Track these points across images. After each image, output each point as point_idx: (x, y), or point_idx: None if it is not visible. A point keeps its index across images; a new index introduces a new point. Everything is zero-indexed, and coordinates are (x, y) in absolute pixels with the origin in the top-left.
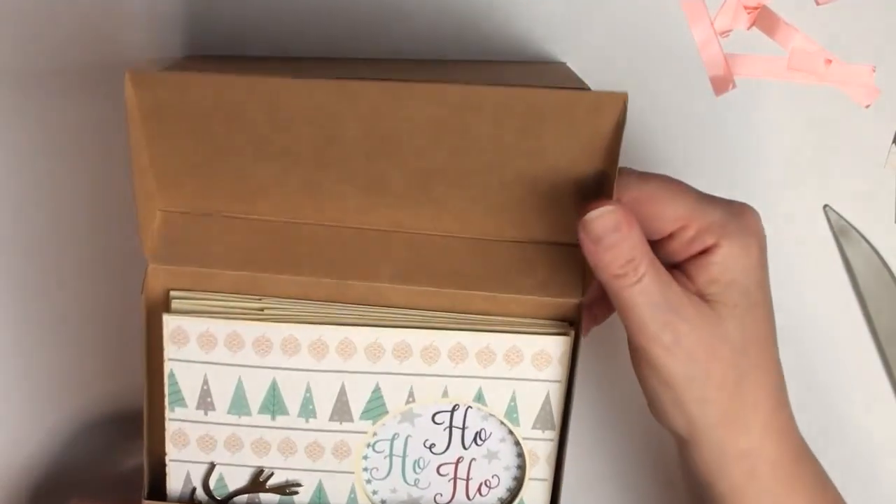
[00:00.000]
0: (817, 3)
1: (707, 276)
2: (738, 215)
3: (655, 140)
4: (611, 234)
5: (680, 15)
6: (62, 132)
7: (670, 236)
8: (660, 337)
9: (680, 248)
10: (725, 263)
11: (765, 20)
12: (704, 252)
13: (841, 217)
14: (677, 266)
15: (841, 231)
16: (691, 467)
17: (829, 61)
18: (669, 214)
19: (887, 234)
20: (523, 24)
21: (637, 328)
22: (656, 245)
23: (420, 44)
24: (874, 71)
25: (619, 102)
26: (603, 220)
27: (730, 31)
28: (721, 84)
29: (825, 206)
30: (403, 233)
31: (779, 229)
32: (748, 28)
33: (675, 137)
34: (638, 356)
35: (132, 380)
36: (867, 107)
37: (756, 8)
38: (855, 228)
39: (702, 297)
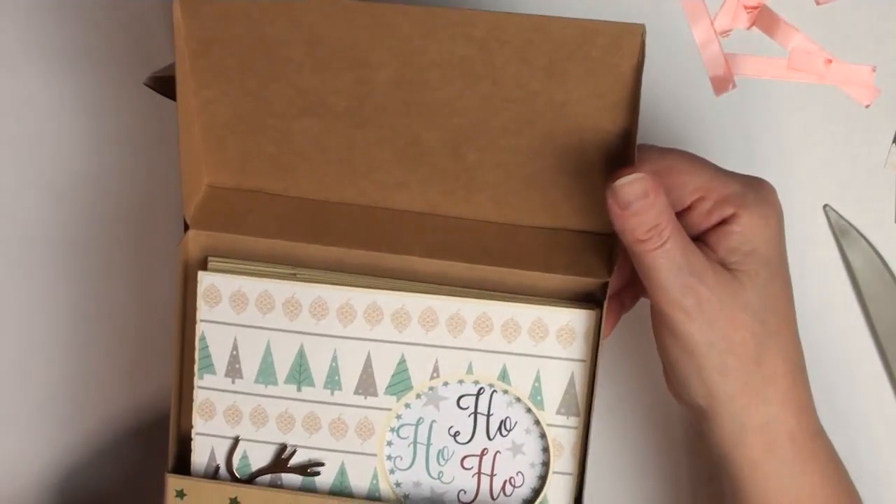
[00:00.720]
0: (817, 3)
1: (728, 245)
2: (756, 187)
3: (655, 140)
4: (639, 201)
5: (680, 15)
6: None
7: (690, 207)
8: (681, 301)
9: (700, 219)
10: (745, 233)
11: (765, 20)
12: (724, 222)
13: (841, 217)
14: (698, 238)
15: (841, 231)
16: (709, 441)
17: (829, 61)
18: (689, 185)
19: (887, 234)
20: None
21: (659, 292)
22: (676, 217)
23: None
24: (874, 71)
25: (637, 35)
26: (632, 186)
27: (730, 31)
28: (721, 84)
29: (825, 206)
30: (438, 215)
31: None
32: (748, 28)
33: (675, 138)
34: (659, 323)
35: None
36: (867, 107)
37: (756, 8)
38: (855, 228)
39: (723, 265)
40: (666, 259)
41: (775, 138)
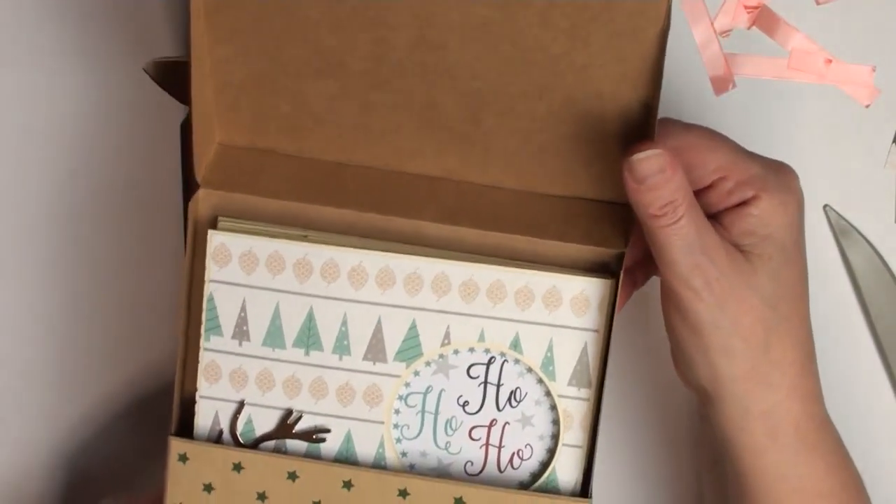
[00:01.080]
0: (817, 3)
1: (743, 228)
2: (778, 171)
3: None
4: (655, 176)
5: (680, 15)
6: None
7: (710, 186)
8: (690, 280)
9: (718, 200)
10: (763, 217)
11: (765, 20)
12: (743, 204)
13: (841, 217)
14: (714, 217)
15: (841, 231)
16: (712, 425)
17: (829, 61)
18: (710, 164)
19: (887, 234)
20: None
21: (669, 269)
22: (695, 195)
23: None
24: (874, 71)
25: (663, 0)
26: (649, 161)
27: (730, 31)
28: (721, 84)
29: (825, 206)
30: (452, 181)
31: None
32: (748, 28)
33: None
34: (668, 300)
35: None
36: (867, 107)
37: (756, 8)
38: (855, 228)
39: (737, 247)
40: (678, 236)
41: (775, 138)
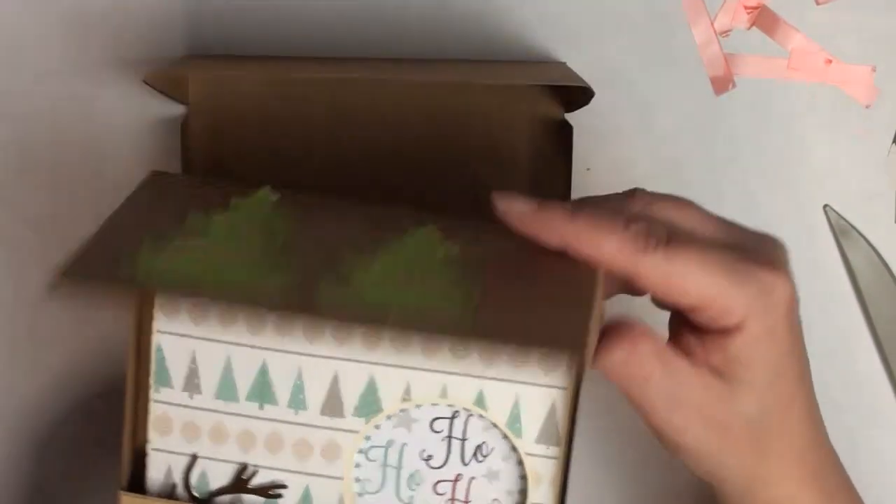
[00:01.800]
0: (817, 3)
1: (724, 356)
2: (767, 291)
3: (656, 140)
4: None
5: (680, 15)
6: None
7: (690, 311)
8: (670, 421)
9: (699, 324)
10: (746, 347)
11: (765, 20)
12: (724, 332)
13: (841, 217)
14: (693, 336)
15: (841, 231)
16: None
17: (829, 61)
18: (693, 295)
19: (887, 234)
20: (524, 23)
21: (645, 414)
22: (673, 318)
23: (421, 42)
24: (874, 71)
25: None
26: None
27: (730, 31)
28: (721, 84)
29: (825, 206)
30: None
31: (779, 229)
32: (748, 28)
33: (675, 137)
34: (652, 430)
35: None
36: (867, 107)
37: (756, 8)
38: (855, 228)
39: (716, 371)
40: (651, 390)
41: (776, 138)
